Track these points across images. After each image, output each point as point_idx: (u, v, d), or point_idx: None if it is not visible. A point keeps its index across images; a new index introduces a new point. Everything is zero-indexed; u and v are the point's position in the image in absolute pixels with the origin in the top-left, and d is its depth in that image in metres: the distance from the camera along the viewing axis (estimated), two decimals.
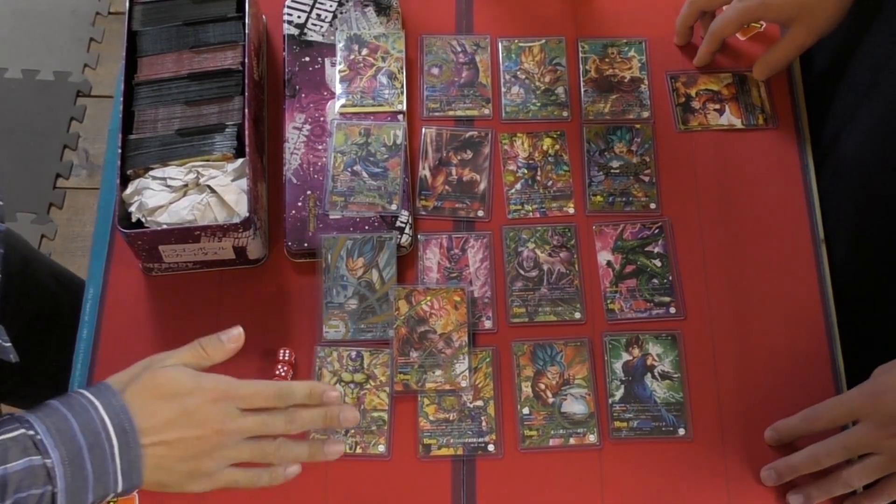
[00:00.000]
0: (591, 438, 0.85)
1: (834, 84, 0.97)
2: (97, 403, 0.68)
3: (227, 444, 0.72)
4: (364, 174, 0.93)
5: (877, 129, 0.89)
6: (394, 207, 0.91)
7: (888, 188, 0.88)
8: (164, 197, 0.86)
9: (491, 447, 0.85)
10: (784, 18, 0.95)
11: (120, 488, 0.68)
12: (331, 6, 1.01)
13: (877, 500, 0.80)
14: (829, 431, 0.80)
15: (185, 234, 0.84)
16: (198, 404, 0.71)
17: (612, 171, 0.96)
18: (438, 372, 0.86)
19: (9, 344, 0.86)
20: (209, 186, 0.86)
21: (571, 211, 0.94)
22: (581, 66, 1.01)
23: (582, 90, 1.00)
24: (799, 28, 0.93)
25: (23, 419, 0.67)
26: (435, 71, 1.00)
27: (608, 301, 0.90)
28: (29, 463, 0.64)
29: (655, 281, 0.91)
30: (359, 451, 0.84)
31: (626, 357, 0.88)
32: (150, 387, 0.71)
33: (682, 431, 0.85)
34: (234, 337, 0.75)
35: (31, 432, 0.65)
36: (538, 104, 0.99)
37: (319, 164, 0.94)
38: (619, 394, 0.86)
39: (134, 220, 0.86)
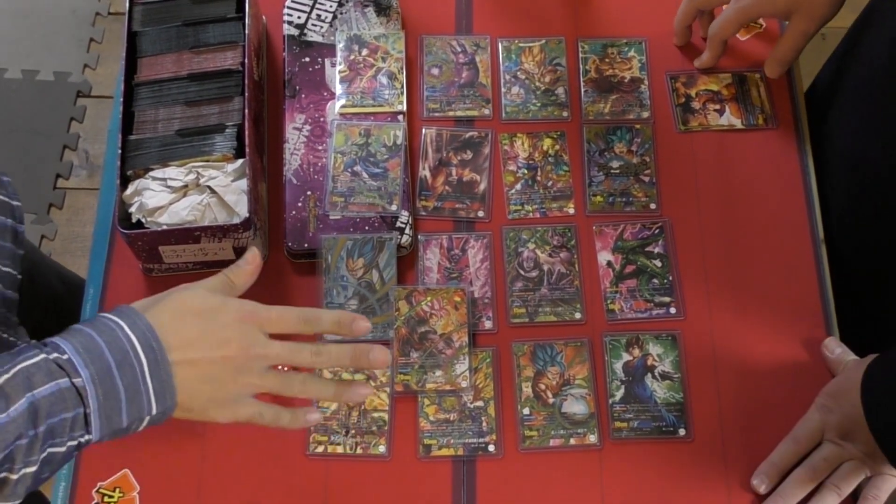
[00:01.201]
0: (592, 439, 0.85)
1: (836, 85, 0.97)
2: (121, 323, 0.67)
3: (252, 368, 0.70)
4: (364, 174, 0.93)
5: (873, 130, 0.89)
6: (394, 208, 0.91)
7: (889, 189, 0.88)
8: (164, 197, 0.86)
9: (491, 447, 0.85)
10: (782, 11, 0.94)
11: (154, 410, 0.66)
12: (331, 6, 1.01)
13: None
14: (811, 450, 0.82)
15: (185, 234, 0.84)
16: (224, 323, 0.69)
17: (612, 171, 0.96)
18: (439, 372, 0.86)
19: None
20: (209, 187, 0.86)
21: (571, 211, 0.94)
22: (581, 67, 1.01)
23: (582, 90, 1.00)
24: (799, 17, 0.93)
25: (45, 343, 0.66)
26: (435, 71, 1.00)
27: (608, 301, 0.90)
28: (56, 386, 0.63)
29: (655, 281, 0.91)
30: (359, 451, 0.84)
31: (626, 357, 0.88)
32: (174, 305, 0.69)
33: (682, 431, 0.85)
34: (249, 258, 0.74)
35: (55, 354, 0.64)
36: (538, 104, 0.99)
37: (319, 164, 0.94)
38: (619, 394, 0.86)
39: (134, 220, 0.86)
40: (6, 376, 0.62)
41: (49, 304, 1.11)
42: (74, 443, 0.64)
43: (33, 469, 0.63)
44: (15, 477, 0.62)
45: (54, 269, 1.18)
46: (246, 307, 0.71)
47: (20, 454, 0.62)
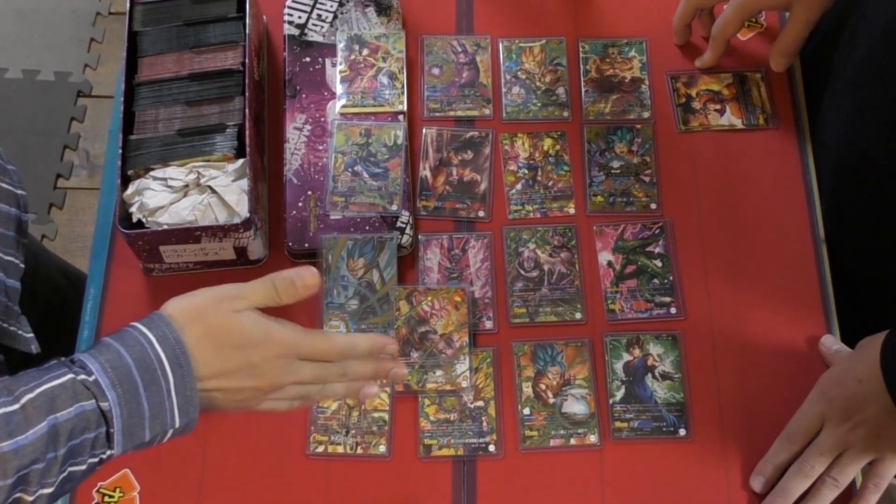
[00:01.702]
0: (592, 439, 0.85)
1: (825, 78, 0.97)
2: (151, 337, 0.65)
3: (283, 392, 0.71)
4: (365, 174, 0.93)
5: (863, 119, 0.89)
6: (394, 208, 0.91)
7: (879, 177, 0.88)
8: (165, 197, 0.86)
9: (492, 447, 0.85)
10: (782, 3, 0.94)
11: (178, 424, 0.66)
12: (331, 6, 1.01)
13: (869, 494, 0.81)
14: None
15: (186, 234, 0.84)
16: (263, 358, 0.69)
17: (612, 171, 0.96)
18: (439, 372, 0.86)
19: (31, 335, 0.86)
20: (210, 187, 0.86)
21: (572, 211, 0.94)
22: (582, 67, 1.01)
23: (582, 90, 1.00)
24: (800, 7, 0.92)
25: (73, 360, 0.65)
26: (435, 71, 1.00)
27: (609, 301, 0.90)
28: (80, 409, 0.62)
29: (656, 281, 0.91)
30: (359, 451, 0.84)
31: (626, 357, 0.88)
32: (217, 332, 0.67)
33: (682, 432, 0.85)
34: (308, 285, 0.71)
35: (83, 376, 0.63)
36: (539, 104, 0.99)
37: (320, 164, 0.94)
38: (619, 394, 0.86)
39: (135, 220, 0.86)
40: (29, 395, 0.61)
41: (53, 297, 1.12)
42: (95, 459, 0.64)
43: (50, 490, 0.62)
44: (30, 498, 0.61)
45: (57, 262, 1.18)
46: (289, 341, 0.70)
47: (36, 477, 0.61)
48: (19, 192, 0.91)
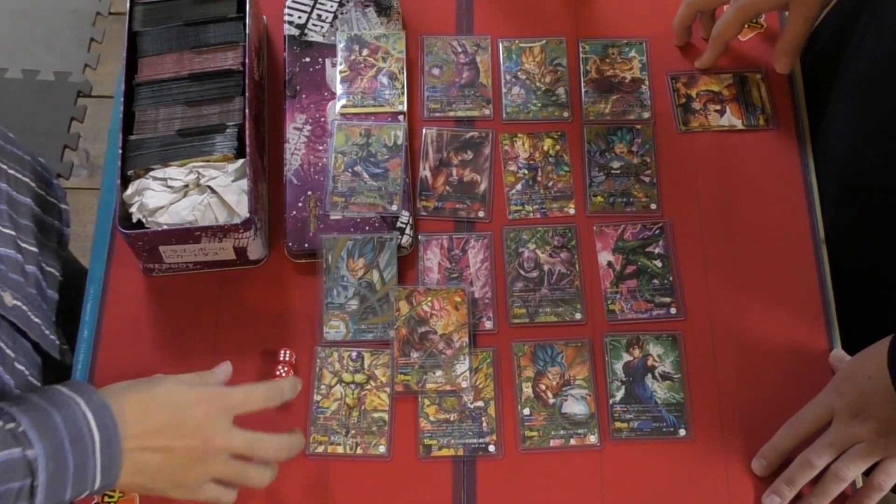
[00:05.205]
0: (592, 439, 0.85)
1: (831, 82, 0.97)
2: (78, 399, 0.68)
3: (213, 458, 0.73)
4: (365, 175, 0.93)
5: (870, 125, 0.88)
6: (394, 208, 0.91)
7: (884, 184, 0.88)
8: (165, 197, 0.86)
9: (491, 448, 0.85)
10: (780, 2, 0.94)
11: (97, 485, 0.67)
12: (331, 7, 1.01)
13: (873, 493, 0.80)
14: (815, 436, 0.81)
15: (186, 234, 0.84)
16: (191, 415, 0.72)
17: (612, 171, 0.96)
18: (439, 372, 0.86)
19: (66, 346, 0.88)
20: (210, 187, 0.86)
21: (572, 211, 0.94)
22: (582, 67, 1.01)
23: (582, 91, 1.00)
24: (797, 4, 0.92)
25: (1, 409, 0.66)
26: (436, 71, 1.00)
27: (609, 302, 0.90)
28: (9, 456, 0.63)
29: (656, 281, 0.91)
30: (359, 451, 0.84)
31: (626, 358, 0.88)
32: (146, 393, 0.71)
33: (682, 432, 0.85)
34: (226, 374, 0.80)
35: (12, 424, 0.64)
36: (539, 105, 0.99)
37: (320, 164, 0.94)
38: (619, 394, 0.86)
39: (134, 220, 0.86)
40: None
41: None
42: None
43: None
44: None
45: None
46: (216, 398, 0.74)
47: None
48: (62, 206, 0.92)
